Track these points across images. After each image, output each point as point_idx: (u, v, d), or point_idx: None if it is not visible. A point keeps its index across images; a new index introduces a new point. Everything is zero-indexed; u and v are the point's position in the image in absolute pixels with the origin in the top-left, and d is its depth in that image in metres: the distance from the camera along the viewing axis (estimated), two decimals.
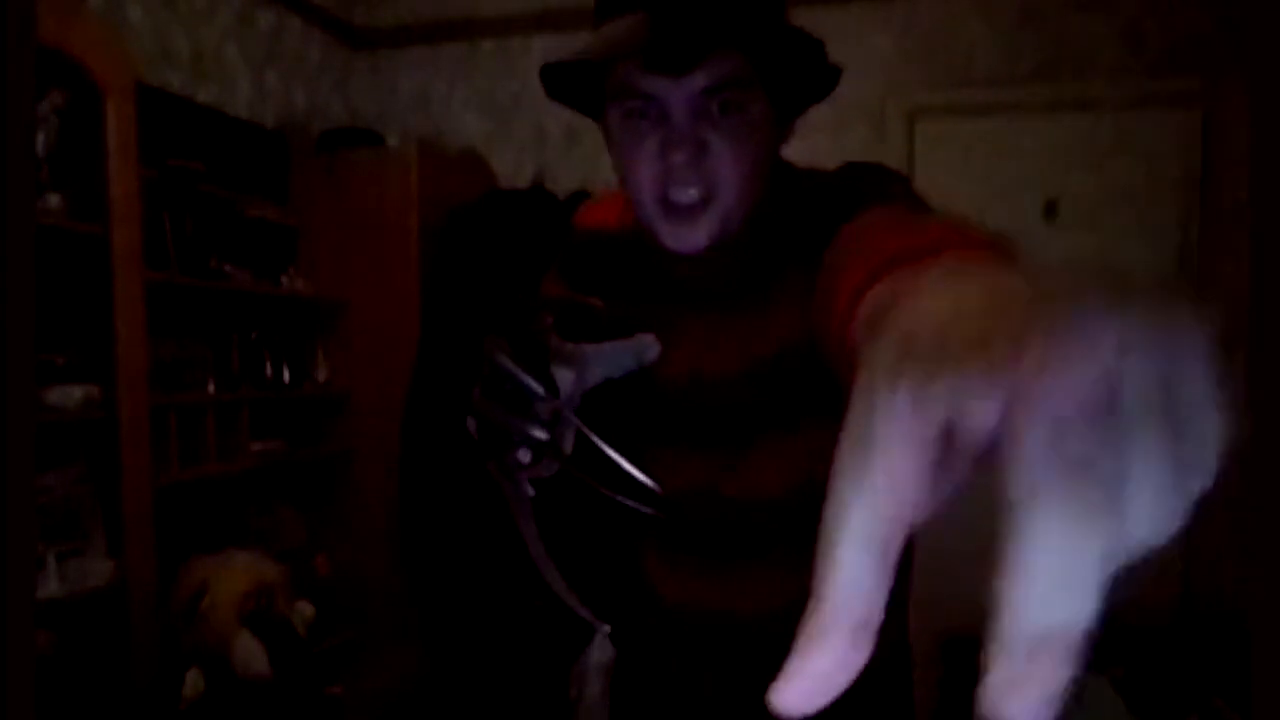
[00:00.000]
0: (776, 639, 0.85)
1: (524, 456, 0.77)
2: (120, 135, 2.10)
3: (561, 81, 0.86)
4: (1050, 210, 3.10)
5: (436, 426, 2.77)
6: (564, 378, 0.77)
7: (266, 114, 3.17)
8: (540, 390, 0.76)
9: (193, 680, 2.12)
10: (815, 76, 0.84)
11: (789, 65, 0.81)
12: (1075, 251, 3.09)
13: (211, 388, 2.65)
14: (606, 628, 0.91)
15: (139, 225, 2.17)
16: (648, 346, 0.80)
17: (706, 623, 0.94)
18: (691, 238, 0.81)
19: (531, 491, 0.79)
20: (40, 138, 2.01)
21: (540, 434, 0.76)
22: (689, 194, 0.79)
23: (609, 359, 0.79)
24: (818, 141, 3.22)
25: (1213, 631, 2.65)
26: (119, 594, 2.11)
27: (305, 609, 2.41)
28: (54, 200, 2.03)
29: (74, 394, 2.06)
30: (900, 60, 3.16)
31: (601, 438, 0.82)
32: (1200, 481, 0.26)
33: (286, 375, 2.99)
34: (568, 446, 0.77)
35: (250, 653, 2.17)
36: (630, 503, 0.83)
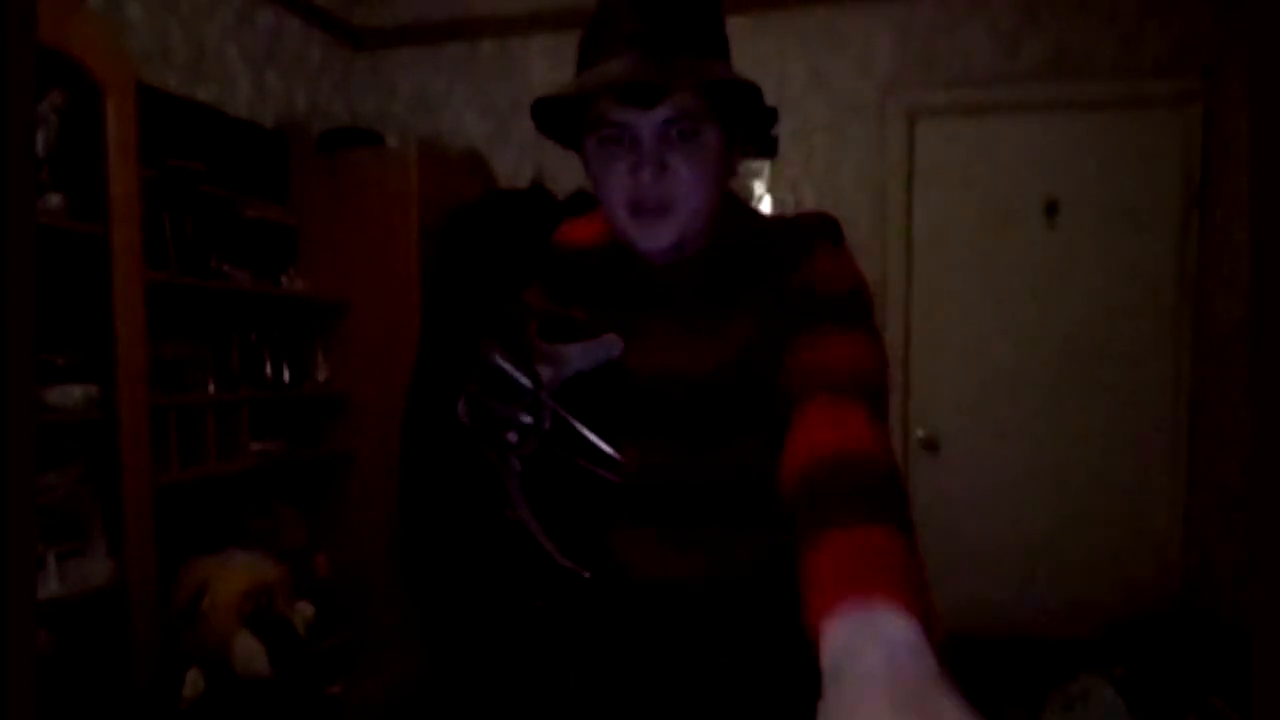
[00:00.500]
0: (726, 603, 1.08)
1: (512, 438, 0.93)
2: (120, 135, 2.10)
3: (549, 116, 1.04)
4: (1050, 210, 3.10)
5: (436, 425, 2.78)
6: (545, 372, 0.93)
7: (266, 114, 3.17)
8: (527, 383, 0.92)
9: (193, 680, 2.12)
10: (755, 112, 1.04)
11: (734, 102, 0.99)
12: (1075, 251, 3.09)
13: (211, 388, 2.65)
14: (587, 574, 1.01)
15: (139, 225, 2.17)
16: (613, 345, 0.97)
17: (666, 588, 1.09)
18: (657, 236, 0.99)
19: (519, 467, 0.95)
20: (40, 138, 2.01)
21: (526, 418, 0.92)
22: (655, 201, 0.97)
23: (582, 356, 0.96)
24: (818, 141, 3.24)
25: (1213, 631, 2.65)
26: (119, 594, 2.11)
27: (305, 609, 2.41)
28: (54, 200, 2.03)
29: (74, 394, 2.06)
30: (900, 60, 3.16)
31: (580, 423, 0.98)
32: None
33: (286, 375, 2.99)
34: (546, 426, 0.93)
35: (250, 653, 2.17)
36: (600, 472, 0.97)
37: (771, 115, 1.12)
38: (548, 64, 3.42)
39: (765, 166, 3.28)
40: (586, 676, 1.21)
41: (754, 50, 3.22)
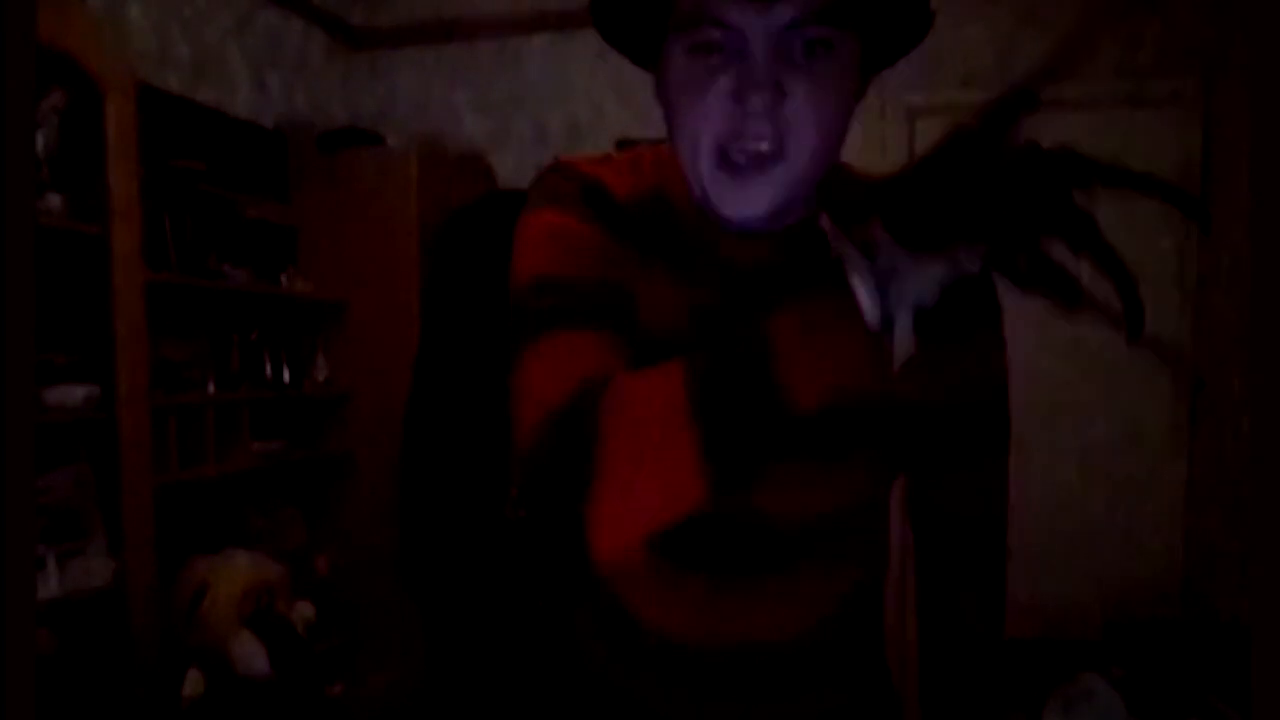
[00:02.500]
0: (779, 665, 0.82)
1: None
2: (120, 135, 2.10)
3: (617, 13, 0.76)
4: None
5: (436, 425, 2.78)
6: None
7: (266, 114, 3.17)
8: None
9: (193, 680, 2.12)
10: (913, 17, 0.74)
11: (894, 13, 0.72)
12: None
13: (211, 388, 2.65)
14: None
15: (139, 225, 2.17)
16: None
17: (711, 657, 0.84)
18: (754, 201, 0.70)
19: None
20: (40, 138, 2.00)
21: None
22: (759, 146, 0.68)
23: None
24: None
25: (1213, 631, 2.65)
26: (119, 594, 2.11)
27: (305, 609, 2.41)
28: (54, 200, 2.03)
29: (74, 394, 2.06)
30: (900, 61, 3.16)
31: None
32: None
33: (286, 375, 2.99)
34: None
35: (250, 653, 2.18)
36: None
37: (928, 19, 0.75)
38: (548, 64, 3.42)
39: None
40: None
41: None
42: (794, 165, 0.69)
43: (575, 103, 3.39)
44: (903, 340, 0.59)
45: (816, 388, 0.65)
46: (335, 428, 3.18)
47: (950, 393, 0.84)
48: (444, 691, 2.72)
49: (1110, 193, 0.59)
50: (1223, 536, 2.89)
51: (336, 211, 3.12)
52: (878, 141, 3.17)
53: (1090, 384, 3.10)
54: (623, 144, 3.16)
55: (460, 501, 2.68)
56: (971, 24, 3.10)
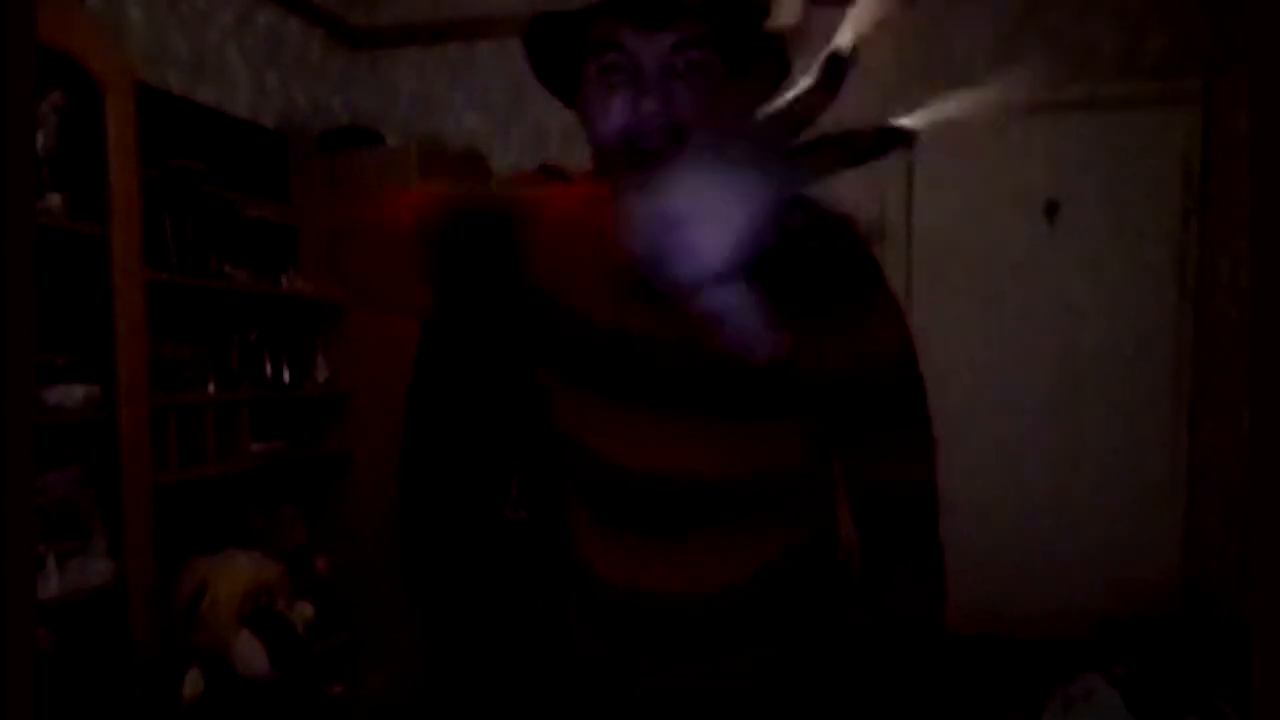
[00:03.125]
0: (705, 619, 0.95)
1: None
2: (120, 135, 2.10)
3: (546, 37, 0.97)
4: (1050, 210, 3.10)
5: (436, 424, 2.77)
6: None
7: (266, 114, 3.17)
8: None
9: (193, 680, 2.12)
10: (758, 44, 0.91)
11: (745, 36, 0.89)
12: (1075, 251, 3.09)
13: (211, 388, 2.65)
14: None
15: (139, 225, 2.17)
16: None
17: (643, 603, 0.97)
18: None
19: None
20: (40, 138, 2.00)
21: None
22: (654, 141, 0.86)
23: None
24: None
25: (1213, 631, 2.65)
26: (119, 594, 2.11)
27: (305, 609, 2.41)
28: (54, 200, 2.03)
29: (74, 394, 2.06)
30: (900, 60, 3.16)
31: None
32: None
33: (286, 375, 2.99)
34: None
35: (250, 653, 2.17)
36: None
37: (785, 65, 0.88)
38: None
39: None
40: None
41: None
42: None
43: None
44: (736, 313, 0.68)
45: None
46: (335, 428, 3.18)
47: (848, 361, 0.94)
48: (443, 691, 2.71)
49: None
50: (1223, 536, 2.89)
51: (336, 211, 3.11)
52: None
53: (1090, 385, 3.10)
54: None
55: (460, 501, 2.67)
56: (971, 24, 3.10)
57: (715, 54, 0.89)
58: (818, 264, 0.88)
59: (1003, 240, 3.15)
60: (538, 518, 1.22)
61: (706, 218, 0.66)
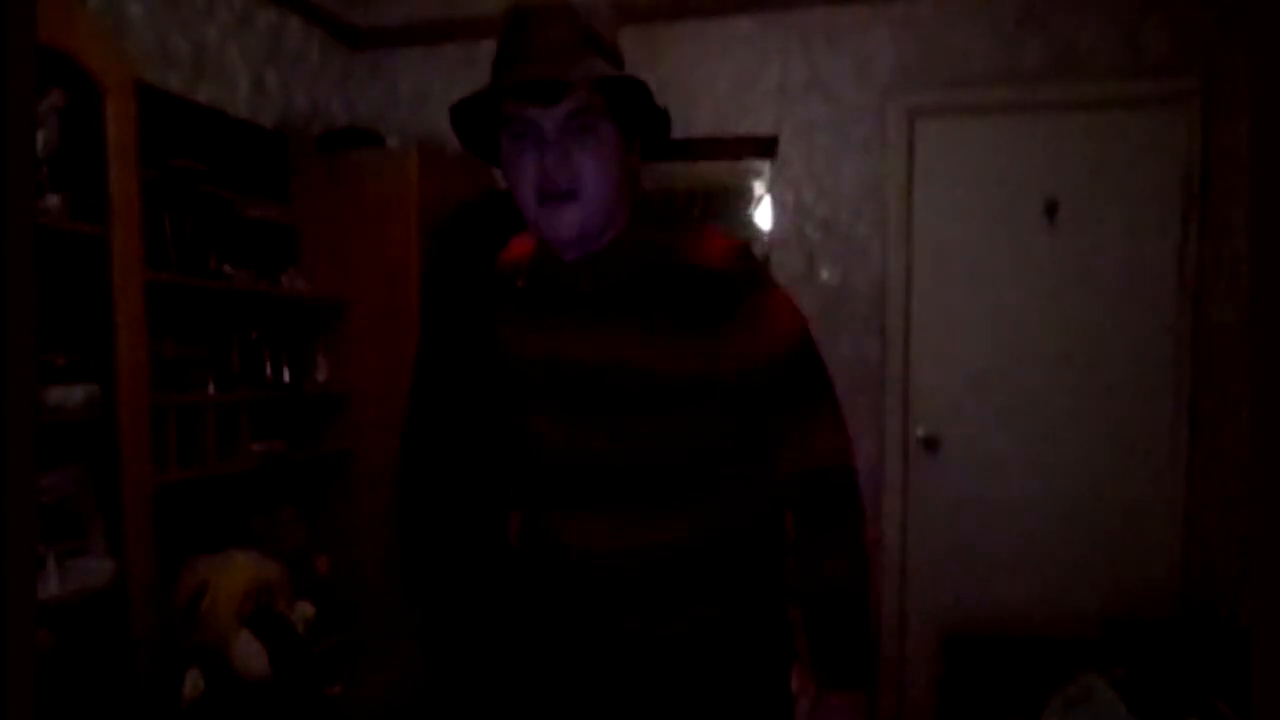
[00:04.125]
0: (646, 571, 1.26)
1: None
2: (120, 135, 2.10)
3: (468, 129, 1.25)
4: (1050, 210, 3.10)
5: (436, 424, 2.77)
6: None
7: (266, 114, 3.17)
8: None
9: (193, 680, 2.12)
10: (645, 110, 1.14)
11: (629, 103, 1.12)
12: (1075, 251, 3.09)
13: (211, 388, 2.65)
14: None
15: (139, 225, 2.17)
16: None
17: (601, 560, 1.20)
18: (563, 223, 1.12)
19: None
20: (40, 138, 2.00)
21: None
22: (560, 185, 1.10)
23: None
24: (818, 141, 3.23)
25: (1213, 631, 2.65)
26: (119, 594, 2.11)
27: (305, 609, 2.41)
28: (54, 200, 2.03)
29: (74, 394, 2.06)
30: (900, 60, 3.16)
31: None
32: None
33: (286, 375, 2.99)
34: None
35: (250, 653, 2.17)
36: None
37: (663, 116, 1.19)
38: None
39: (765, 166, 3.28)
40: (536, 649, 1.33)
41: (754, 50, 3.22)
42: (585, 200, 1.12)
43: None
44: None
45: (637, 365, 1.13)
46: (335, 428, 3.18)
47: (749, 359, 1.14)
48: (442, 690, 2.72)
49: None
50: (1223, 536, 2.89)
51: (336, 211, 3.12)
52: (878, 141, 3.18)
53: (1089, 384, 3.10)
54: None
55: (459, 501, 2.67)
56: (971, 24, 3.10)
57: (610, 122, 1.11)
58: (716, 284, 1.11)
59: (1003, 240, 3.15)
60: (526, 508, 1.41)
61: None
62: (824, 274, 3.24)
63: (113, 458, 2.12)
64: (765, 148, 3.26)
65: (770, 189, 3.29)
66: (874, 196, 3.19)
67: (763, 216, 3.32)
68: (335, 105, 3.55)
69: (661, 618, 1.19)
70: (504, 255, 1.37)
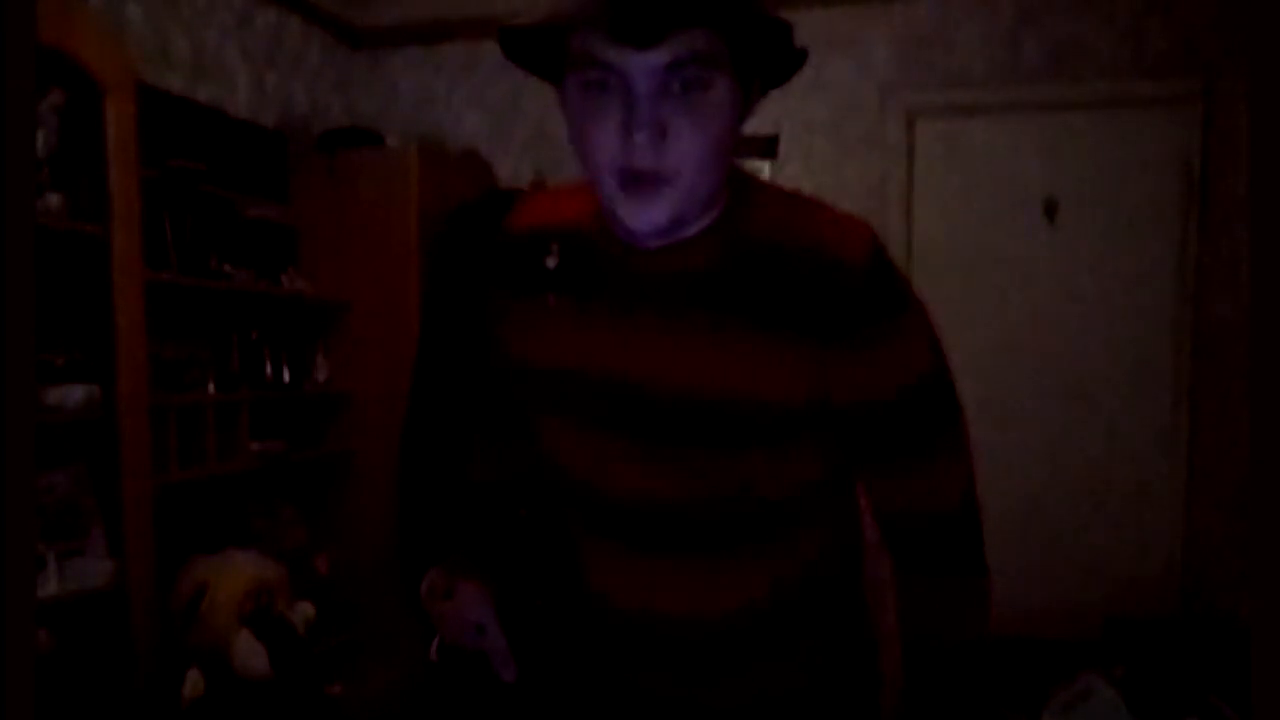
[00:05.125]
0: (720, 644, 0.94)
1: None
2: (120, 135, 2.10)
3: (520, 44, 0.83)
4: (1050, 210, 3.10)
5: (436, 424, 2.77)
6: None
7: (266, 114, 3.17)
8: None
9: (193, 680, 2.12)
10: (782, 58, 0.83)
11: (757, 44, 0.79)
12: (1075, 251, 3.09)
13: (211, 388, 2.65)
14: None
15: (139, 225, 2.16)
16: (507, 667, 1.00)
17: (652, 622, 0.95)
18: (649, 214, 0.79)
19: None
20: (40, 138, 2.00)
21: None
22: (651, 167, 0.78)
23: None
24: (818, 141, 3.23)
25: (1213, 631, 2.65)
26: (119, 594, 2.11)
27: (305, 609, 2.41)
28: (54, 200, 2.03)
29: (74, 394, 2.05)
30: (899, 60, 3.16)
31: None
32: None
33: (286, 375, 2.99)
34: None
35: (250, 653, 2.17)
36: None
37: (800, 57, 0.85)
38: None
39: (765, 166, 3.28)
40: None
41: None
42: (680, 189, 0.79)
43: None
44: None
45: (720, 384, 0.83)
46: (335, 428, 3.18)
47: (862, 390, 0.86)
48: (442, 689, 2.71)
49: None
50: (1223, 536, 2.89)
51: (336, 211, 3.11)
52: (878, 141, 3.18)
53: (1089, 384, 3.10)
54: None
55: (459, 501, 2.67)
56: (971, 24, 3.10)
57: (728, 74, 0.78)
58: (841, 284, 0.81)
59: (1003, 240, 3.15)
60: (539, 517, 1.25)
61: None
62: None
63: (113, 458, 2.12)
64: (765, 148, 3.26)
65: None
66: (874, 196, 3.19)
67: None
68: (335, 105, 3.55)
69: (737, 689, 0.96)
70: (520, 219, 0.99)
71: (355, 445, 3.16)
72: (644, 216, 0.80)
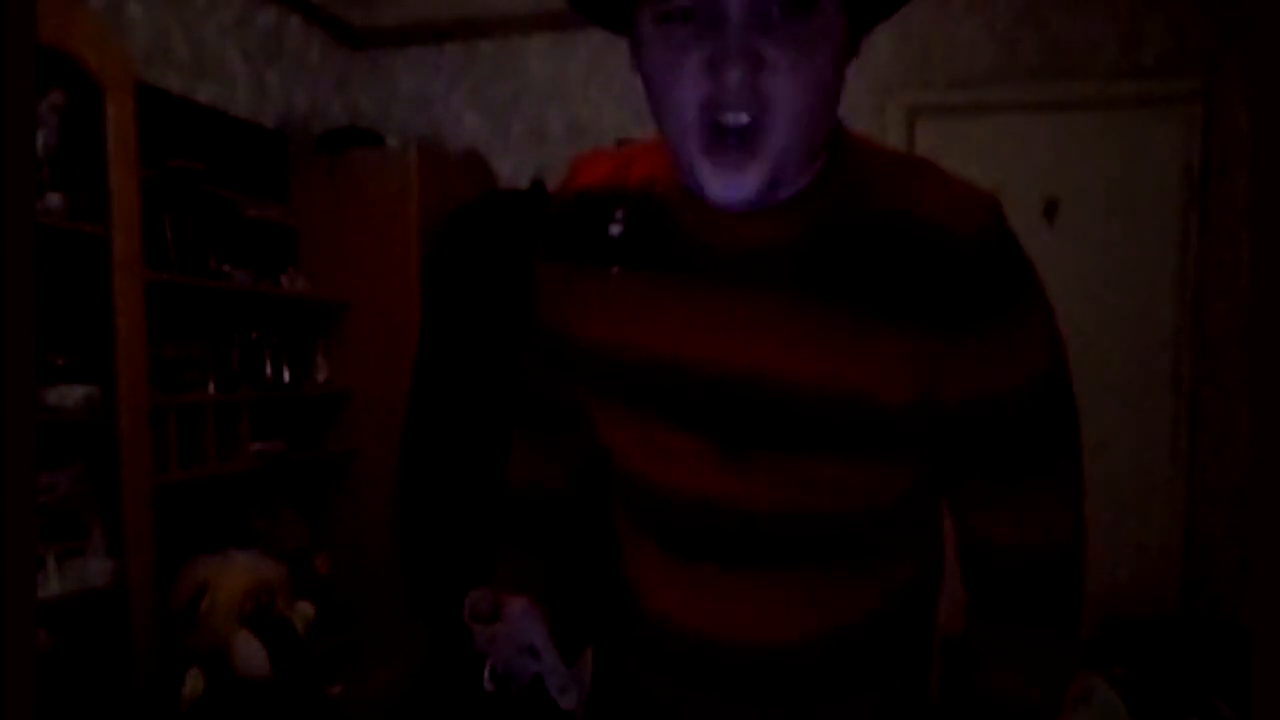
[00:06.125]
0: (786, 671, 0.79)
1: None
2: (120, 135, 2.10)
3: None
4: (1050, 210, 3.10)
5: (437, 425, 2.77)
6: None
7: (266, 114, 3.17)
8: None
9: (193, 680, 2.12)
10: None
11: None
12: (1075, 251, 3.09)
13: (211, 388, 2.65)
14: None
15: (139, 225, 2.16)
16: (568, 689, 0.89)
17: (712, 648, 0.82)
18: (741, 181, 0.67)
19: None
20: (40, 138, 2.00)
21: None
22: (740, 119, 0.65)
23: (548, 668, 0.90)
24: None
25: (1213, 631, 2.64)
26: (119, 594, 2.11)
27: (305, 609, 2.41)
28: (54, 200, 2.03)
29: (74, 394, 2.05)
30: (900, 60, 3.16)
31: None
32: None
33: (286, 375, 2.99)
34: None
35: (250, 653, 2.17)
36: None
37: None
38: (548, 64, 3.42)
39: None
40: None
41: None
42: (780, 137, 0.66)
43: (575, 103, 3.39)
44: None
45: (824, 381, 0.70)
46: (335, 428, 3.18)
47: (972, 390, 0.72)
48: (442, 689, 2.71)
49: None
50: (1223, 536, 2.89)
51: (336, 211, 3.11)
52: (878, 141, 3.18)
53: (1089, 384, 3.10)
54: (622, 144, 3.16)
55: (460, 501, 2.67)
56: (971, 24, 3.10)
57: None
58: (958, 259, 0.69)
59: None
60: (593, 523, 1.18)
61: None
62: None
63: (112, 458, 2.12)
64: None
65: None
66: None
67: None
68: (335, 105, 3.55)
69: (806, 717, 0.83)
70: (579, 180, 0.87)
71: (355, 445, 3.16)
72: (732, 186, 0.68)
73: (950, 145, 3.17)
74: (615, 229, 0.79)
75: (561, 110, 3.41)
